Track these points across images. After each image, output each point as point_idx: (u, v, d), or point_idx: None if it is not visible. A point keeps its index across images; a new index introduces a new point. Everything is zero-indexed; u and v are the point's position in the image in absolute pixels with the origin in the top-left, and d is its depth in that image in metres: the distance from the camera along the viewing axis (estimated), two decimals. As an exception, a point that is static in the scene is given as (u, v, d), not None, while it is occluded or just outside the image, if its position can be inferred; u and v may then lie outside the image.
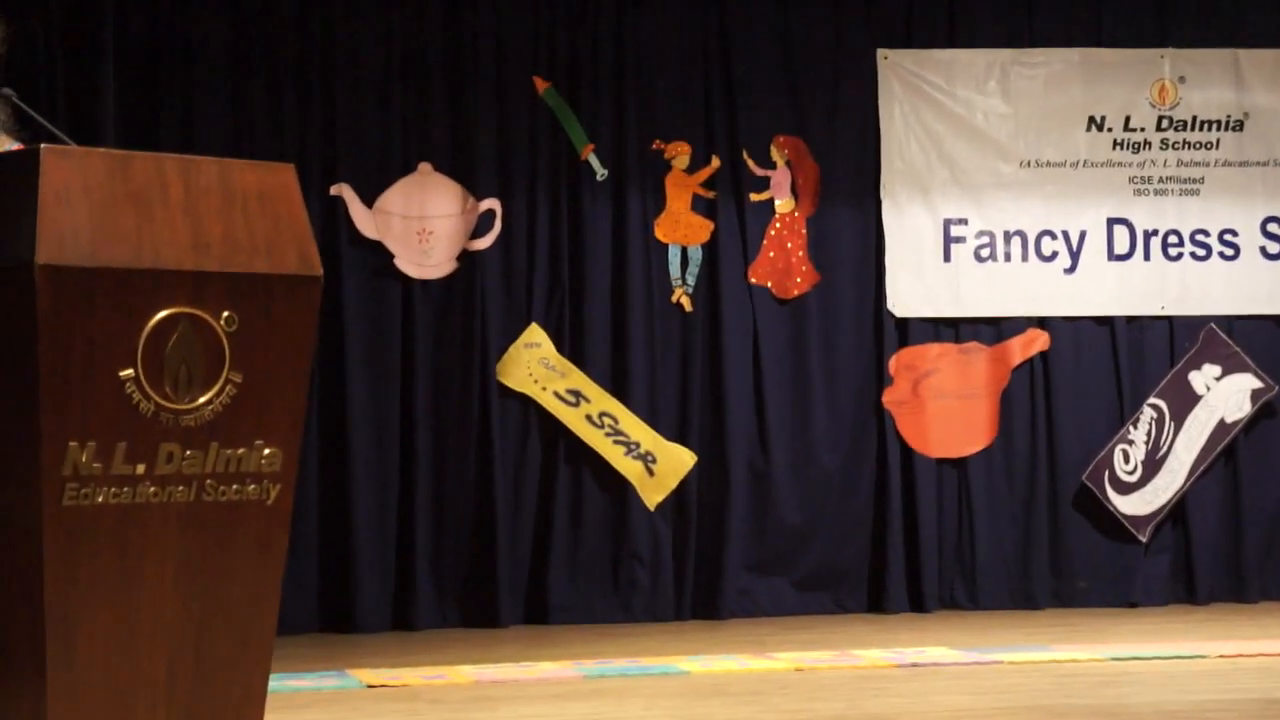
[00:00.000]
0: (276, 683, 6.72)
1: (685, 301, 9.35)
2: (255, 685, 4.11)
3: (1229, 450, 9.70)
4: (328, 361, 8.79)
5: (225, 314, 3.94)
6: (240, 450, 3.99)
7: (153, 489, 3.89)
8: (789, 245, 9.44)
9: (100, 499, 3.82)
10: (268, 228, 4.02)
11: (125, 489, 3.85)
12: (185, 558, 3.94)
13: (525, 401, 9.13)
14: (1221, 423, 9.65)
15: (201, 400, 3.92)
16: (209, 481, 3.95)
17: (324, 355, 8.68)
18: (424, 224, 9.01)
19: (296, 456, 4.07)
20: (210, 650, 4.00)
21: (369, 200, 8.98)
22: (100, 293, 3.78)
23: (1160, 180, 9.76)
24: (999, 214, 9.64)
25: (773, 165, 9.46)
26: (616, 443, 9.13)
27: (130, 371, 3.84)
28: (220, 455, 3.96)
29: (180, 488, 3.92)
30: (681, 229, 9.35)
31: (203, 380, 3.92)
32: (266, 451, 4.02)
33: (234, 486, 3.99)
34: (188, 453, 3.92)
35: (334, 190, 8.92)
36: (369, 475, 8.92)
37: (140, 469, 3.87)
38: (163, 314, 3.87)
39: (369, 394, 8.94)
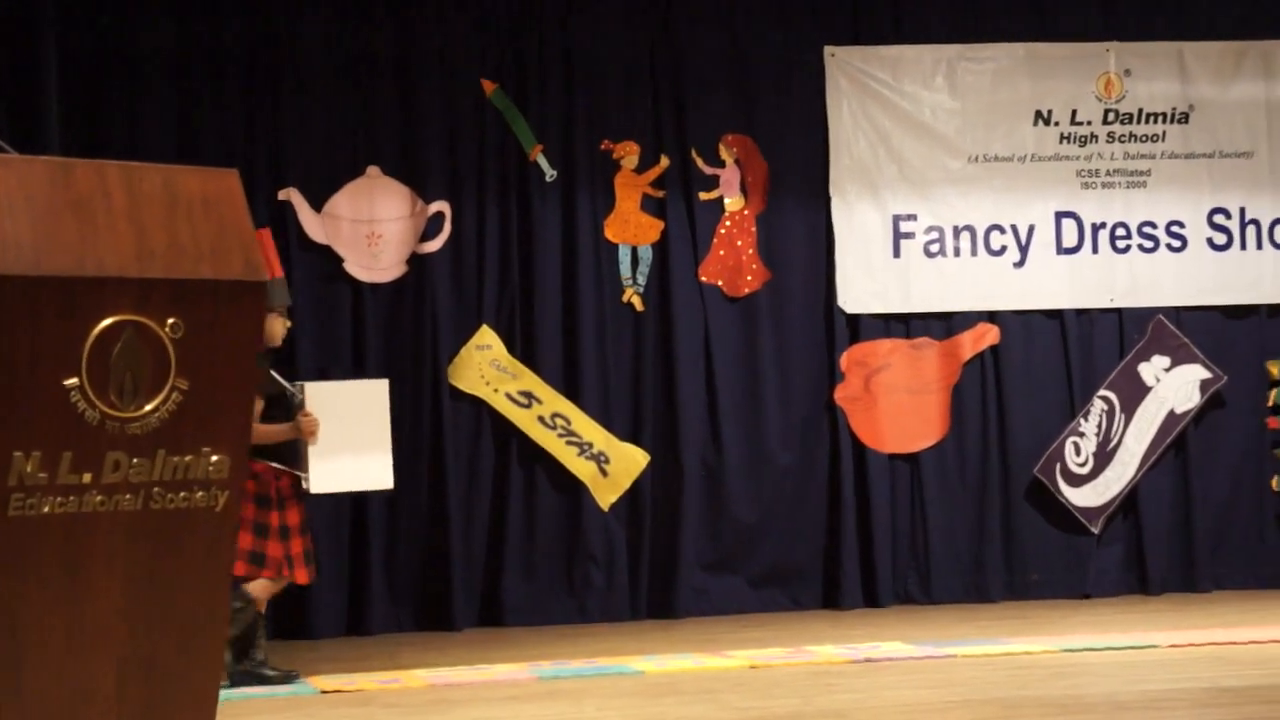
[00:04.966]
0: (229, 690, 6.71)
1: (636, 301, 9.35)
2: (206, 693, 4.09)
3: (1179, 441, 9.76)
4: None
5: (170, 321, 3.91)
6: (187, 457, 3.95)
7: (99, 498, 3.86)
8: (739, 243, 9.45)
9: (46, 509, 3.79)
10: (212, 233, 3.99)
11: (71, 498, 3.82)
12: (133, 566, 3.91)
13: (477, 404, 9.12)
14: (1171, 413, 9.71)
15: (147, 408, 3.89)
16: (156, 489, 3.92)
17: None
18: (373, 227, 8.99)
19: (244, 463, 4.06)
20: (160, 659, 3.97)
21: (317, 204, 8.95)
22: (44, 301, 3.75)
23: (1107, 173, 9.80)
24: (948, 209, 9.67)
25: (721, 164, 9.47)
26: (569, 444, 9.12)
27: (75, 380, 3.80)
28: (167, 463, 3.93)
29: (127, 496, 3.89)
30: (631, 229, 9.35)
31: (148, 388, 3.89)
32: (214, 458, 3.99)
33: (181, 494, 3.96)
34: (134, 461, 3.89)
35: (282, 195, 8.90)
36: (321, 480, 8.88)
37: (86, 478, 3.83)
38: (107, 322, 3.83)
39: (320, 398, 8.89)
